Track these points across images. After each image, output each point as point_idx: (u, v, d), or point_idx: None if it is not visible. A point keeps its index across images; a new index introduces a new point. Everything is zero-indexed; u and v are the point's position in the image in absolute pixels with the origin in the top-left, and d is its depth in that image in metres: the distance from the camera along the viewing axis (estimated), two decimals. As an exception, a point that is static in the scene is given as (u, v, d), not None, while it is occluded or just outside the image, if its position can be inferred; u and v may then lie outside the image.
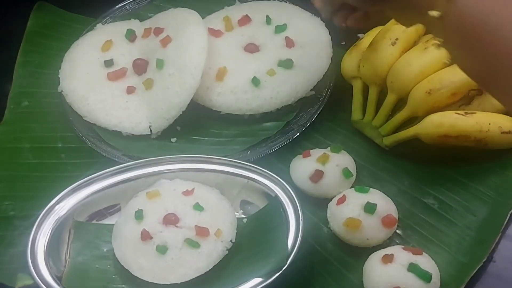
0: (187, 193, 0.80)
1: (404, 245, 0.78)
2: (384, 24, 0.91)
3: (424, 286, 0.72)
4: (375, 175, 0.86)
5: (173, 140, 0.91)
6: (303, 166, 0.84)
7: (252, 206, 0.83)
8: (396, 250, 0.75)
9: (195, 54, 0.89)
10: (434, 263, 0.75)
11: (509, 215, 0.80)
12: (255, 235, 0.79)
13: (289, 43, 0.94)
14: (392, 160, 0.87)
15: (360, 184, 0.82)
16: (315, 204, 0.83)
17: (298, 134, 0.89)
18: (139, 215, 0.78)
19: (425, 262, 0.75)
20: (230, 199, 0.82)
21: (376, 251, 0.77)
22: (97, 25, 1.02)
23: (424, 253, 0.76)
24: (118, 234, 0.79)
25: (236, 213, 0.81)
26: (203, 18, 0.94)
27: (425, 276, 0.73)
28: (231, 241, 0.77)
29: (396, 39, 0.87)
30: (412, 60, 0.86)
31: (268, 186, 0.81)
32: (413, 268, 0.73)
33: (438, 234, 0.80)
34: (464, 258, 0.77)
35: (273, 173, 0.82)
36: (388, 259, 0.74)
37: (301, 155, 0.85)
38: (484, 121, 0.83)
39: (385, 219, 0.77)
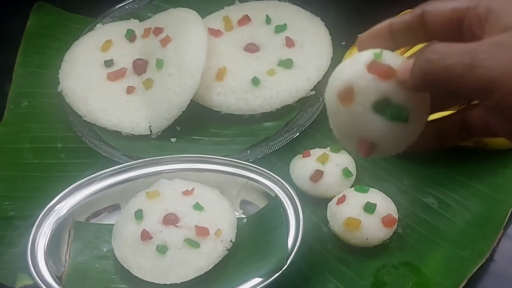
0: (187, 193, 0.80)
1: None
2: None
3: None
4: (375, 175, 0.86)
5: (173, 140, 0.91)
6: (303, 166, 0.84)
7: (252, 206, 0.83)
8: None
9: (195, 54, 0.89)
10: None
11: (509, 213, 0.80)
12: (255, 235, 0.79)
13: (289, 43, 0.94)
14: (392, 160, 0.87)
15: (360, 184, 0.82)
16: (315, 204, 0.83)
17: (298, 134, 0.89)
18: (139, 215, 0.78)
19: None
20: (230, 199, 0.82)
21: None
22: (97, 25, 1.02)
23: None
24: (118, 234, 0.79)
25: (236, 213, 0.81)
26: (203, 18, 0.94)
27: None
28: (231, 241, 0.77)
29: (396, 39, 0.87)
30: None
31: (268, 186, 0.81)
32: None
33: (438, 233, 0.80)
34: (465, 252, 0.77)
35: (273, 173, 0.81)
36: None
37: (301, 155, 0.85)
38: (484, 120, 0.83)
39: (385, 218, 0.77)
